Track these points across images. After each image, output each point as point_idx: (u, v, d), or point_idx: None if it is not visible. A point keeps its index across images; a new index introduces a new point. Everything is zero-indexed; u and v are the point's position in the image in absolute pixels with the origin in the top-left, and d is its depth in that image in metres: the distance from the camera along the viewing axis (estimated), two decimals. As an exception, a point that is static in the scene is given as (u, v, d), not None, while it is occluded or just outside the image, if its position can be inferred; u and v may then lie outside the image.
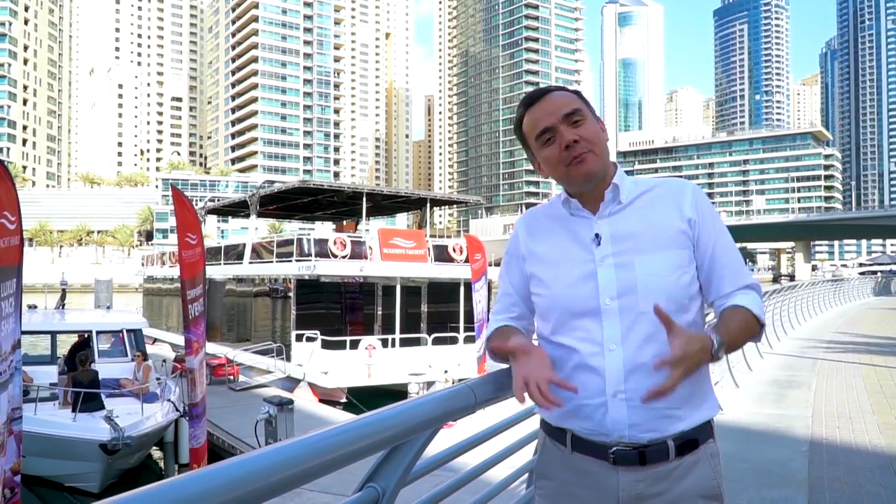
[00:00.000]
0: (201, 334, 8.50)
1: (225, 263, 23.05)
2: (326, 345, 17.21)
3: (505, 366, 1.76)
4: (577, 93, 1.69)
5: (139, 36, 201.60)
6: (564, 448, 1.67)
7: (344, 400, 16.66)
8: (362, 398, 16.40)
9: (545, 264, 1.70)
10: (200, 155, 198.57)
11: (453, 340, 19.03)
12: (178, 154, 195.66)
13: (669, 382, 1.42)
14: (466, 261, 18.06)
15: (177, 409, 12.27)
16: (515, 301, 1.79)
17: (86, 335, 14.54)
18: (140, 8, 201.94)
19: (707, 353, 1.49)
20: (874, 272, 69.75)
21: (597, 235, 1.63)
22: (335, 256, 18.49)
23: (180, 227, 8.36)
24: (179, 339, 19.52)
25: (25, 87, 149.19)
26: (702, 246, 1.64)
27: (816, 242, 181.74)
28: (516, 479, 2.37)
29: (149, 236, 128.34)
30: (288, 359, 17.75)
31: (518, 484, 2.47)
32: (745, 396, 7.98)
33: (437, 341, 18.69)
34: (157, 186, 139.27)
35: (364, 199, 21.43)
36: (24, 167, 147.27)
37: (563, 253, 1.67)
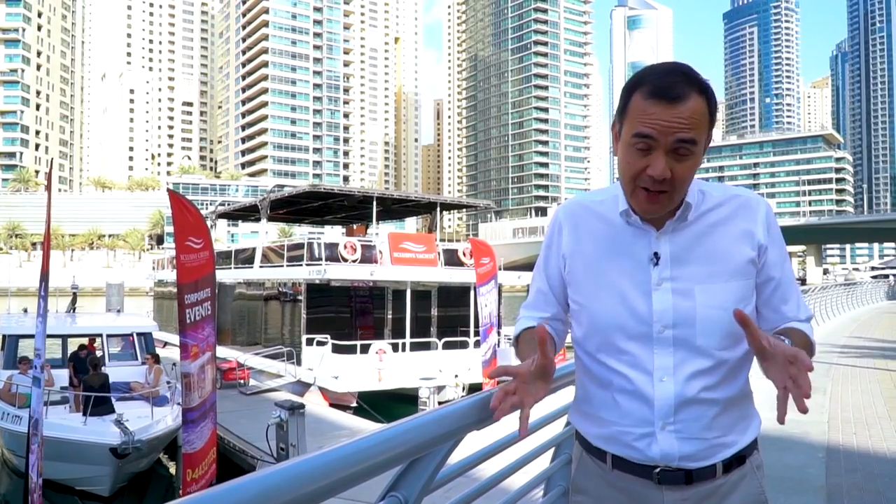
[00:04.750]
0: (204, 339, 8.38)
1: (235, 267, 23.10)
2: (337, 349, 17.20)
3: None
4: (712, 100, 1.42)
5: (151, 42, 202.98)
6: (604, 465, 1.58)
7: (354, 404, 16.63)
8: (373, 402, 16.38)
9: (590, 275, 1.55)
10: (211, 159, 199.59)
11: (464, 345, 18.99)
12: (189, 158, 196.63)
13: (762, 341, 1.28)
14: (477, 265, 18.03)
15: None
16: (550, 300, 1.66)
17: (90, 340, 14.60)
18: (152, 14, 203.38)
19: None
20: (886, 276, 69.37)
21: (655, 254, 1.48)
22: (345, 260, 18.50)
23: (179, 232, 8.25)
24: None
25: (38, 93, 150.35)
26: (766, 273, 1.51)
27: (828, 246, 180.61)
28: (535, 488, 2.33)
29: (159, 240, 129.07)
30: (298, 363, 17.74)
31: (536, 492, 2.43)
32: (760, 402, 7.84)
33: (447, 345, 18.66)
34: (167, 191, 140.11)
35: (374, 203, 21.45)
36: (37, 172, 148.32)
37: (614, 267, 1.52)
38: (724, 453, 1.50)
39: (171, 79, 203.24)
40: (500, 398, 1.41)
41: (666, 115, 1.36)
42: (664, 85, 1.38)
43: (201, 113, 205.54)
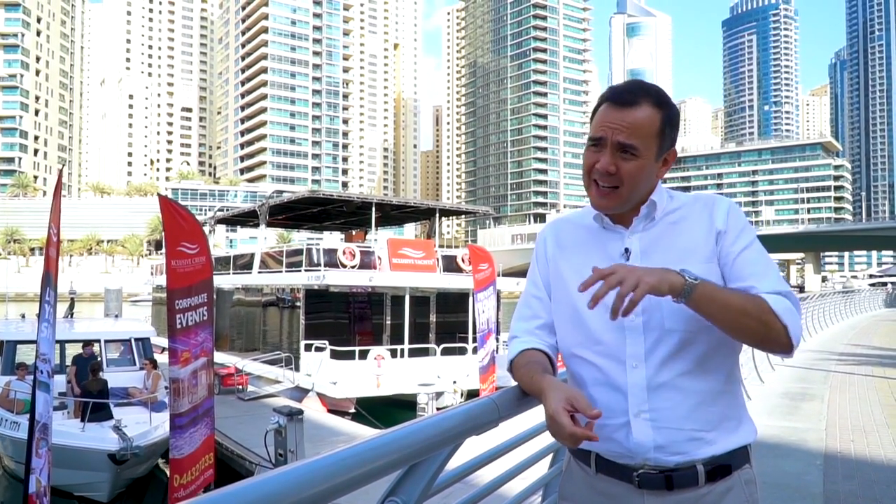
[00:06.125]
0: (198, 344, 8.33)
1: (234, 273, 23.10)
2: (335, 355, 17.18)
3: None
4: (667, 113, 1.54)
5: (150, 47, 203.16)
6: (589, 469, 1.61)
7: (352, 410, 16.61)
8: (371, 408, 16.36)
9: (570, 275, 1.62)
10: (210, 165, 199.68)
11: (462, 351, 18.99)
12: (188, 164, 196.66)
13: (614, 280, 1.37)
14: (476, 271, 18.04)
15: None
16: (547, 305, 1.69)
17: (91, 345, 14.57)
18: (151, 20, 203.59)
19: (663, 274, 1.39)
20: (885, 283, 69.41)
21: (626, 250, 1.58)
22: (344, 266, 18.49)
23: (170, 237, 8.22)
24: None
25: (37, 98, 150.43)
26: (724, 253, 1.53)
27: (826, 254, 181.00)
28: (532, 494, 2.34)
29: (158, 246, 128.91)
30: (297, 369, 17.72)
31: (534, 498, 2.44)
32: (758, 409, 7.92)
33: (445, 351, 18.65)
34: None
35: (373, 209, 21.45)
36: (35, 177, 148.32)
37: (590, 265, 1.56)
38: (703, 450, 1.50)
39: (170, 84, 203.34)
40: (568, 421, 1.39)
41: (612, 117, 1.52)
42: (619, 92, 1.56)
43: (200, 118, 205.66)
